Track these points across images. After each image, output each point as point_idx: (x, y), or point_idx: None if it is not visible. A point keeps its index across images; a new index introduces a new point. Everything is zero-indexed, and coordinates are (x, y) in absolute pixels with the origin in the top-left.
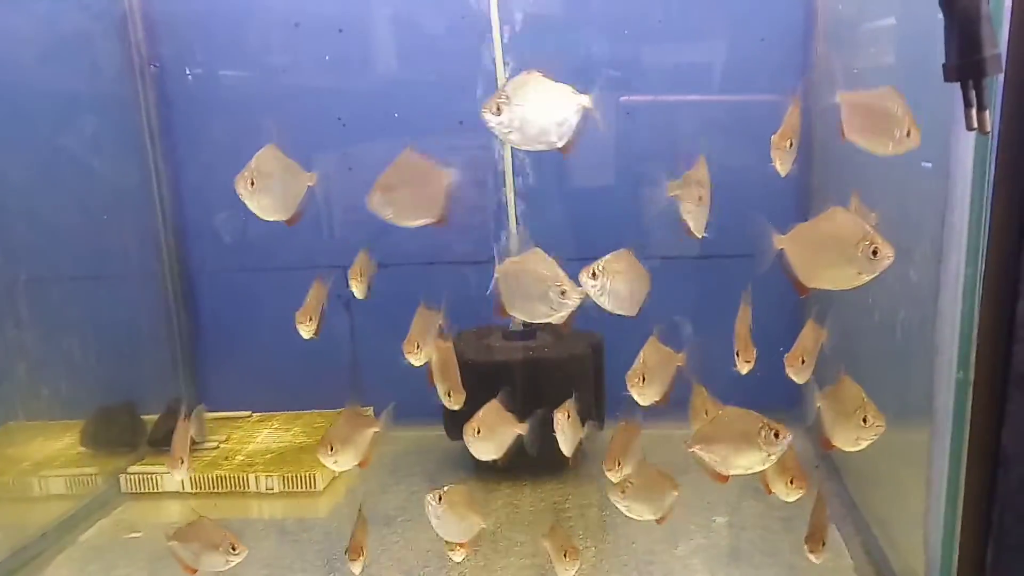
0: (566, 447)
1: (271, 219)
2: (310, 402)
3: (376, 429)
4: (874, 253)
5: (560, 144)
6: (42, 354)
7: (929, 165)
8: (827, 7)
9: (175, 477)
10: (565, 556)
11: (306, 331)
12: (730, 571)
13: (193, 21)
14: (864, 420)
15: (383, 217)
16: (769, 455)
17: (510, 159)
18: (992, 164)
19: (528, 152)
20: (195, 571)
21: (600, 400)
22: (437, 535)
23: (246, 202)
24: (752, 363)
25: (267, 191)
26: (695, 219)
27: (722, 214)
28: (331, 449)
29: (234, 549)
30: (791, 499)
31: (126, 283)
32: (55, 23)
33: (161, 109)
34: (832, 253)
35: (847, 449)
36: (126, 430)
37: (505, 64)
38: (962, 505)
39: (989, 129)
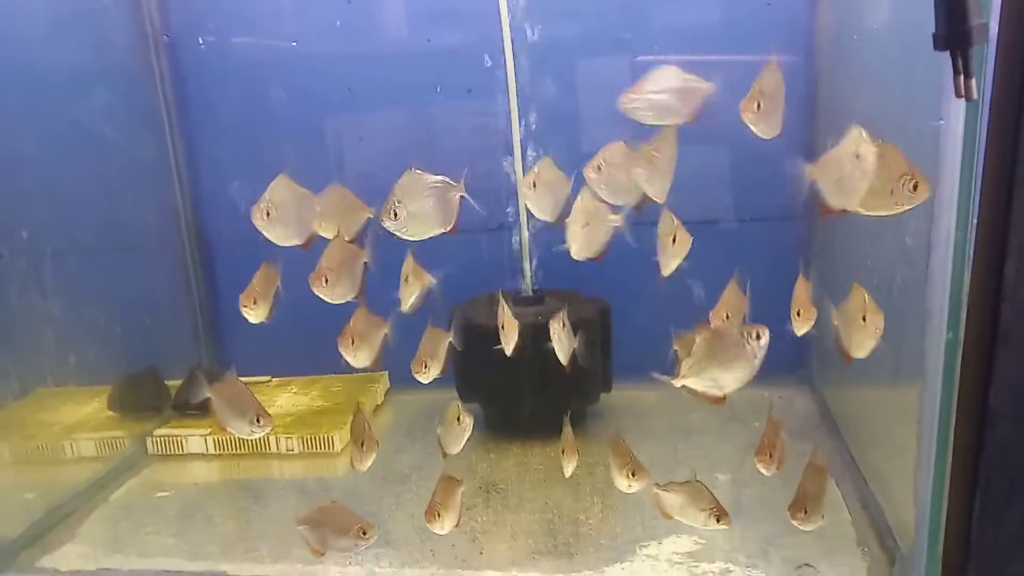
0: (562, 355)
1: (288, 245)
2: (327, 367)
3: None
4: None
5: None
6: (68, 323)
7: (941, 122)
8: None
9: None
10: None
11: (252, 315)
12: (733, 523)
13: None
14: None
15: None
16: (756, 359)
17: (518, 127)
18: (983, 130)
19: (538, 118)
20: (323, 554)
21: (607, 365)
22: None
23: (263, 232)
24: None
25: (282, 221)
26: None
27: (728, 178)
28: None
29: (364, 534)
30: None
31: (147, 254)
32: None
33: (175, 80)
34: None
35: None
36: (151, 395)
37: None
38: (951, 461)
39: (976, 96)
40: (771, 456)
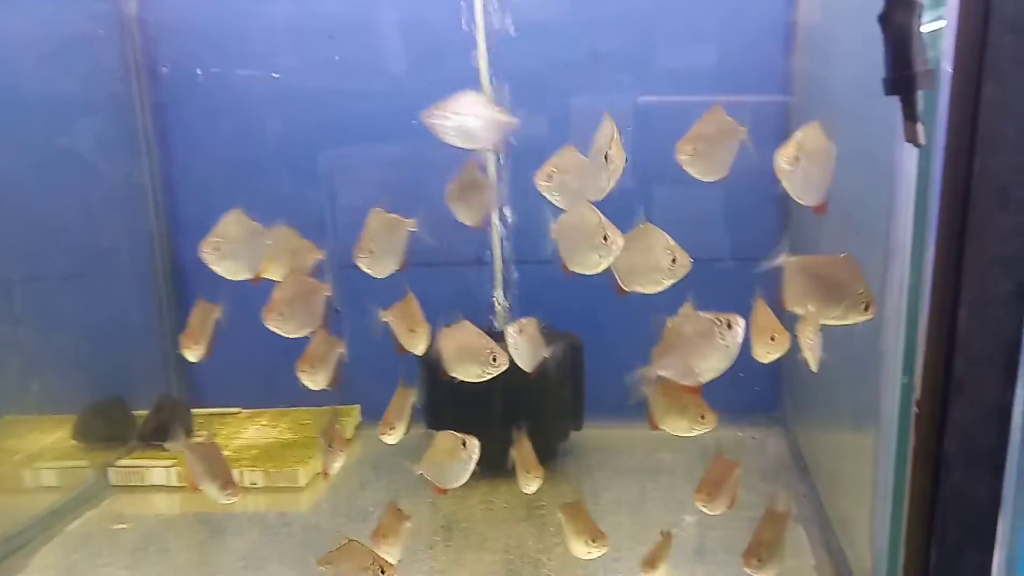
0: (522, 362)
1: (237, 279)
2: (298, 399)
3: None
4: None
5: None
6: (35, 350)
7: None
8: (805, 16)
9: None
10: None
11: (192, 355)
12: (695, 568)
13: (188, 25)
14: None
15: None
16: (730, 349)
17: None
18: (937, 176)
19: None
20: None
21: (579, 401)
22: (411, 531)
23: (211, 266)
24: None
25: (232, 255)
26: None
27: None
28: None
29: (383, 572)
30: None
31: (118, 281)
32: (55, 26)
33: (156, 110)
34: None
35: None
36: (116, 425)
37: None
38: (909, 507)
39: (922, 141)
40: (709, 495)
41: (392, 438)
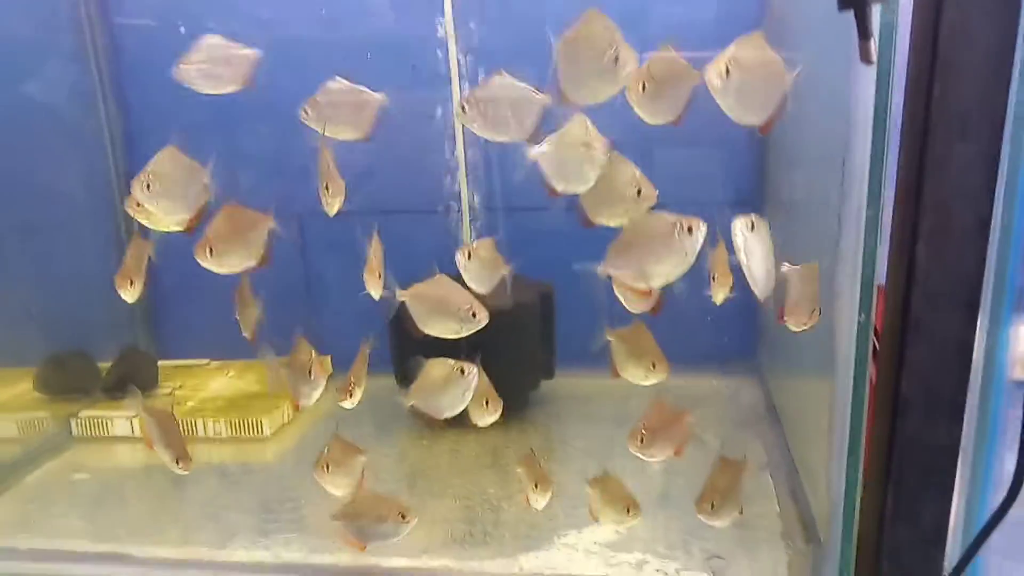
0: (479, 285)
1: (170, 222)
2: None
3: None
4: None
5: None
6: None
7: None
8: None
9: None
10: (536, 487)
11: (128, 295)
12: (656, 513)
13: None
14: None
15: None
16: (687, 254)
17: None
18: (896, 103)
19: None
20: (364, 548)
21: (550, 349)
22: (374, 479)
23: (145, 204)
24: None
25: (166, 194)
26: None
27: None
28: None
29: (404, 518)
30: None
31: (79, 232)
32: None
33: (113, 58)
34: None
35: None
36: (79, 376)
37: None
38: (866, 451)
39: (873, 59)
40: (643, 440)
41: (350, 403)
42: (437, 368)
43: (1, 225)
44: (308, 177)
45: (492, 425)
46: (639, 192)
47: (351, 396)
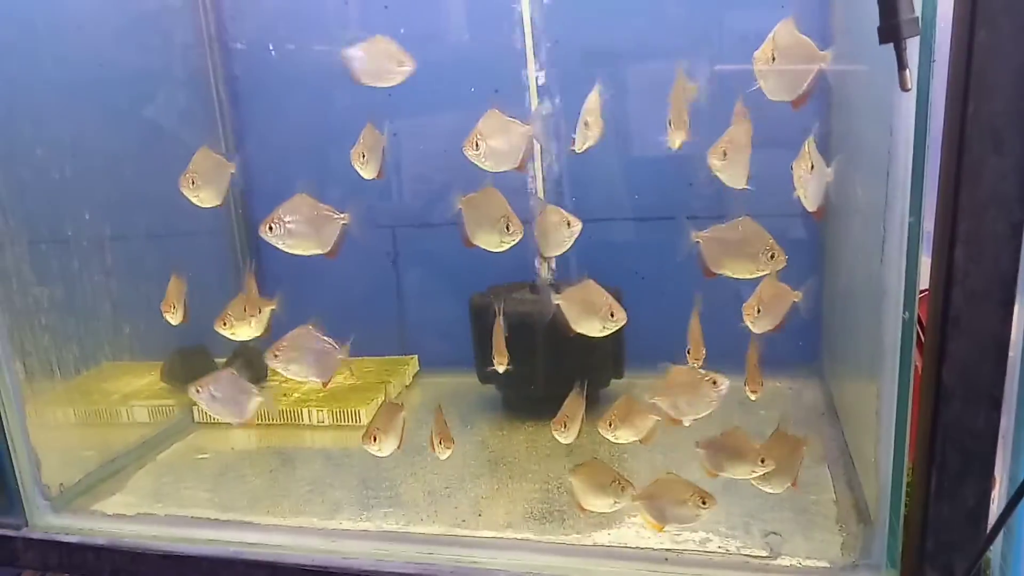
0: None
1: (210, 206)
2: (361, 349)
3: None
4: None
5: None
6: (126, 301)
7: None
8: None
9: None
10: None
11: (171, 319)
12: (720, 496)
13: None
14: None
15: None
16: (713, 402)
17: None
18: (930, 124)
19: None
20: (662, 528)
21: (619, 351)
22: (460, 464)
23: (190, 198)
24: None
25: (205, 185)
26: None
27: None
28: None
29: (703, 502)
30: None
31: (199, 239)
32: (132, 3)
33: (230, 82)
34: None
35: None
36: (200, 369)
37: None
38: (912, 438)
39: (909, 87)
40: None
41: (379, 450)
42: (683, 375)
43: (136, 234)
44: (400, 193)
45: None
46: (772, 257)
47: (376, 443)
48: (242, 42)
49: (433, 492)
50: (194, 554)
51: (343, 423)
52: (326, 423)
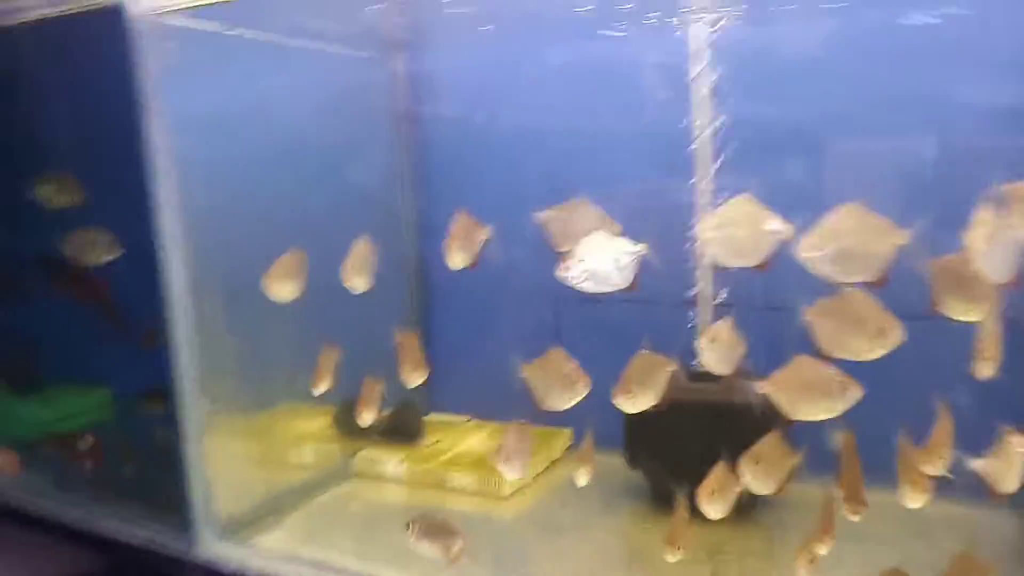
0: (722, 367)
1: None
2: (523, 415)
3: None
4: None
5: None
6: (303, 350)
7: None
8: None
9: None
10: None
11: (317, 390)
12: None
13: (445, 78)
14: None
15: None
16: (839, 404)
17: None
18: None
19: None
20: None
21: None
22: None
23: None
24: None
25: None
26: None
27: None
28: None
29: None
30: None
31: (376, 298)
32: (334, 81)
33: (413, 153)
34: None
35: None
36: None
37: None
38: None
39: None
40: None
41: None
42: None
43: (317, 289)
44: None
45: (719, 521)
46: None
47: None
48: (456, 113)
49: (577, 572)
50: None
51: (487, 490)
52: (470, 489)
